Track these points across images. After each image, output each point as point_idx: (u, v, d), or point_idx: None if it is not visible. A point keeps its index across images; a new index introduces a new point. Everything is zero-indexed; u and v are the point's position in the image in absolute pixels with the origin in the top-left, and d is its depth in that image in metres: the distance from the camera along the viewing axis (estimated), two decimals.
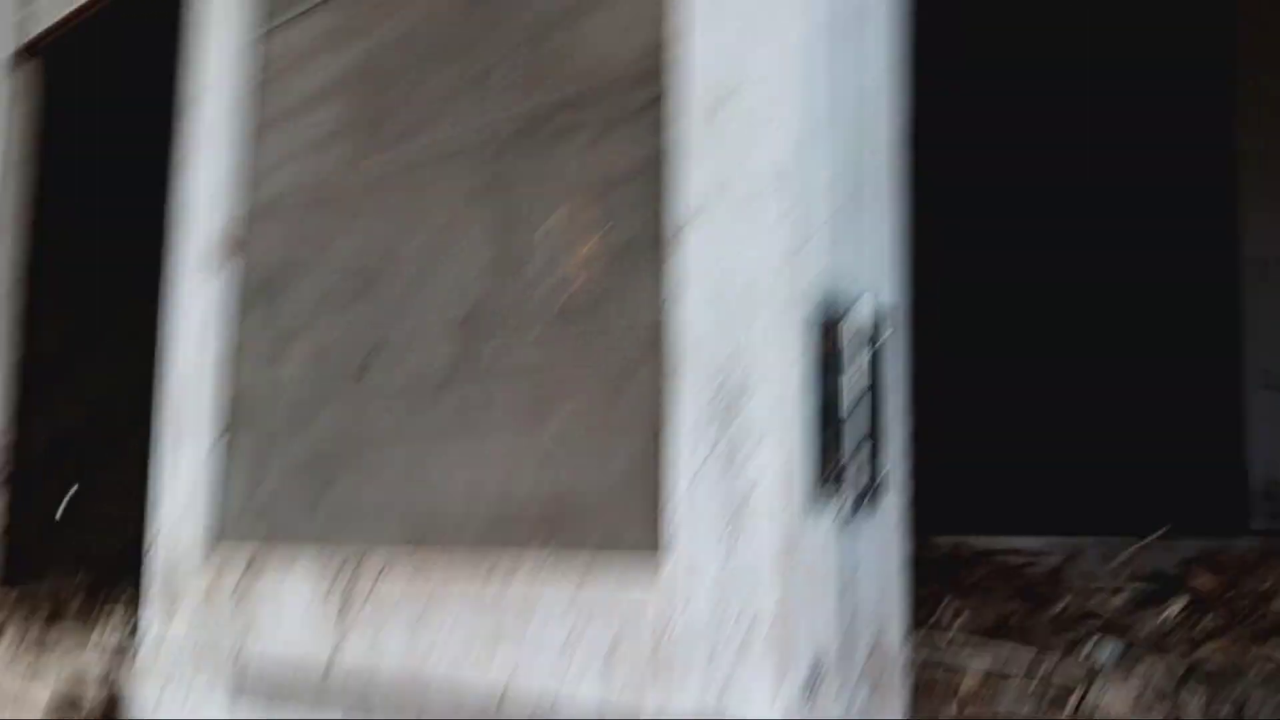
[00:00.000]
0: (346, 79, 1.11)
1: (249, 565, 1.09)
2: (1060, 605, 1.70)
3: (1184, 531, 2.12)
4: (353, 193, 1.09)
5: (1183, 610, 1.54)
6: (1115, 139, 2.26)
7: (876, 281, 0.77)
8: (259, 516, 1.11)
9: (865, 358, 0.75)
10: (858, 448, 0.74)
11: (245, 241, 1.19)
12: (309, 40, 1.17)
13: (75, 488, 1.93)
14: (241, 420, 1.17)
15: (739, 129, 0.75)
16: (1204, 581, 1.57)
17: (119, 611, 1.64)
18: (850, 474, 0.74)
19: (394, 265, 1.03)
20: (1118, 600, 1.63)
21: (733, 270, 0.74)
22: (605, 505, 0.82)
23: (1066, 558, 2.23)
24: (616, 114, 0.85)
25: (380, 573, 0.95)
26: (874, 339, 0.75)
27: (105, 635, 1.53)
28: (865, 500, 0.75)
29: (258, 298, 1.18)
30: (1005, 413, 2.36)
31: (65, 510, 1.91)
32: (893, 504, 0.78)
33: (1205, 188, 2.10)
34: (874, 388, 0.76)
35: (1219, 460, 2.07)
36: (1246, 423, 2.01)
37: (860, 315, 0.75)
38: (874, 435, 0.75)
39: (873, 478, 0.75)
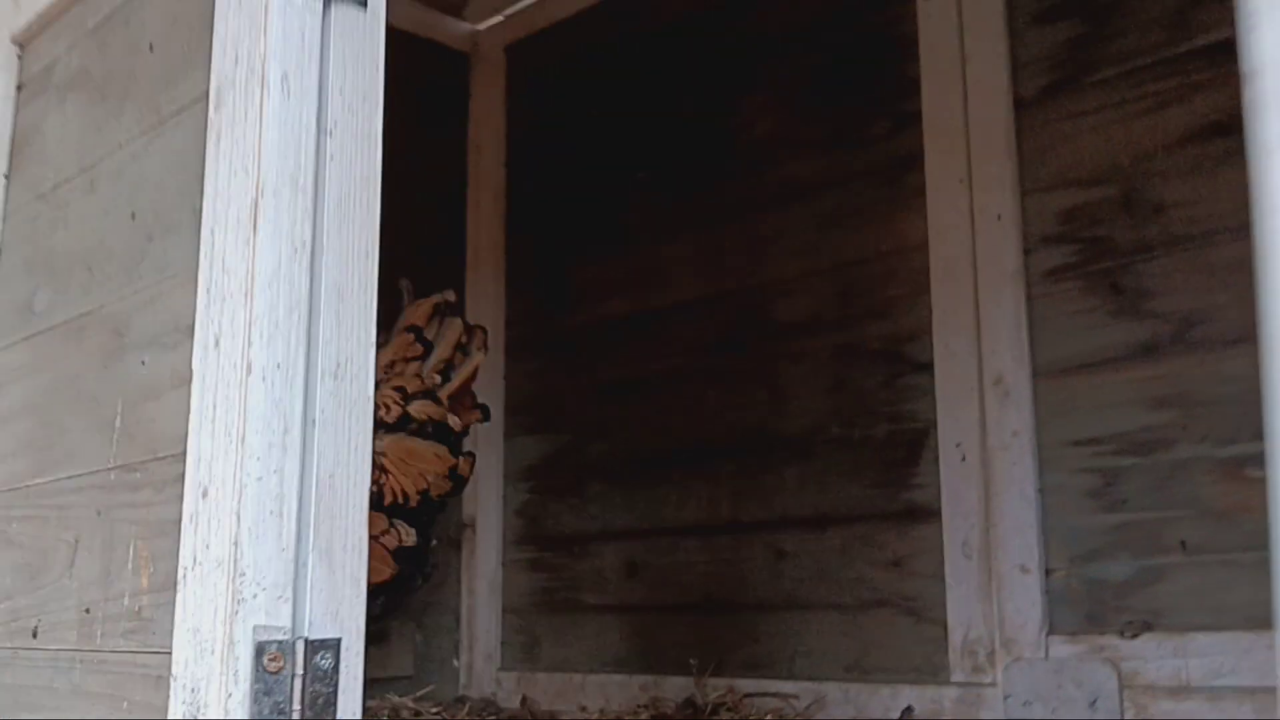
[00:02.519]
0: (30, 406, 1.42)
1: None
2: None
3: (902, 680, 2.40)
4: (27, 499, 1.39)
5: None
6: None
7: (322, 624, 1.06)
8: None
9: (300, 685, 1.04)
10: None
11: None
12: (16, 364, 1.48)
13: None
14: None
15: (211, 514, 1.05)
16: None
17: None
18: None
19: (51, 563, 1.32)
20: None
21: (200, 619, 1.04)
22: None
23: (813, 701, 2.51)
24: (166, 478, 1.16)
25: None
26: (314, 670, 1.05)
27: None
28: None
29: None
30: None
31: None
32: None
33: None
34: (315, 706, 1.05)
35: (927, 618, 2.35)
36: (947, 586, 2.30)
37: (298, 653, 1.04)
38: None
39: None
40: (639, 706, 2.74)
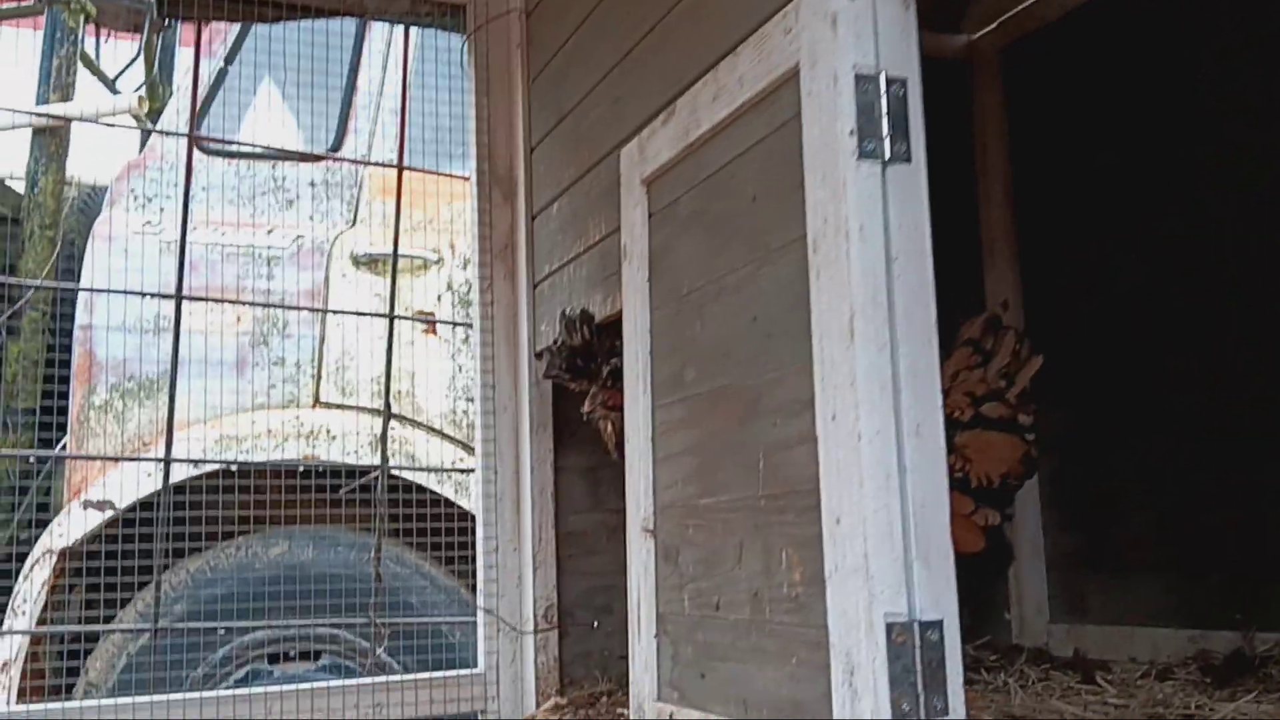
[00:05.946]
0: (691, 448, 2.02)
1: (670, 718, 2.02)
2: None
3: None
4: (697, 513, 1.98)
5: None
6: None
7: (928, 609, 1.52)
8: (672, 687, 2.03)
9: (918, 653, 1.50)
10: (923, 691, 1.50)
11: (656, 526, 2.14)
12: (675, 418, 2.10)
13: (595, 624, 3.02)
14: (663, 628, 2.10)
15: (844, 536, 1.55)
16: None
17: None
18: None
19: (722, 559, 1.91)
20: None
21: (846, 607, 1.54)
22: (816, 707, 1.63)
23: None
24: (802, 506, 1.67)
25: None
26: (926, 642, 1.51)
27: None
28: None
29: (666, 558, 2.12)
30: None
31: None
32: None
33: None
34: (930, 668, 1.51)
35: None
36: None
37: (914, 631, 1.51)
38: (935, 686, 1.51)
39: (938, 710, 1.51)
40: (1187, 658, 2.95)
